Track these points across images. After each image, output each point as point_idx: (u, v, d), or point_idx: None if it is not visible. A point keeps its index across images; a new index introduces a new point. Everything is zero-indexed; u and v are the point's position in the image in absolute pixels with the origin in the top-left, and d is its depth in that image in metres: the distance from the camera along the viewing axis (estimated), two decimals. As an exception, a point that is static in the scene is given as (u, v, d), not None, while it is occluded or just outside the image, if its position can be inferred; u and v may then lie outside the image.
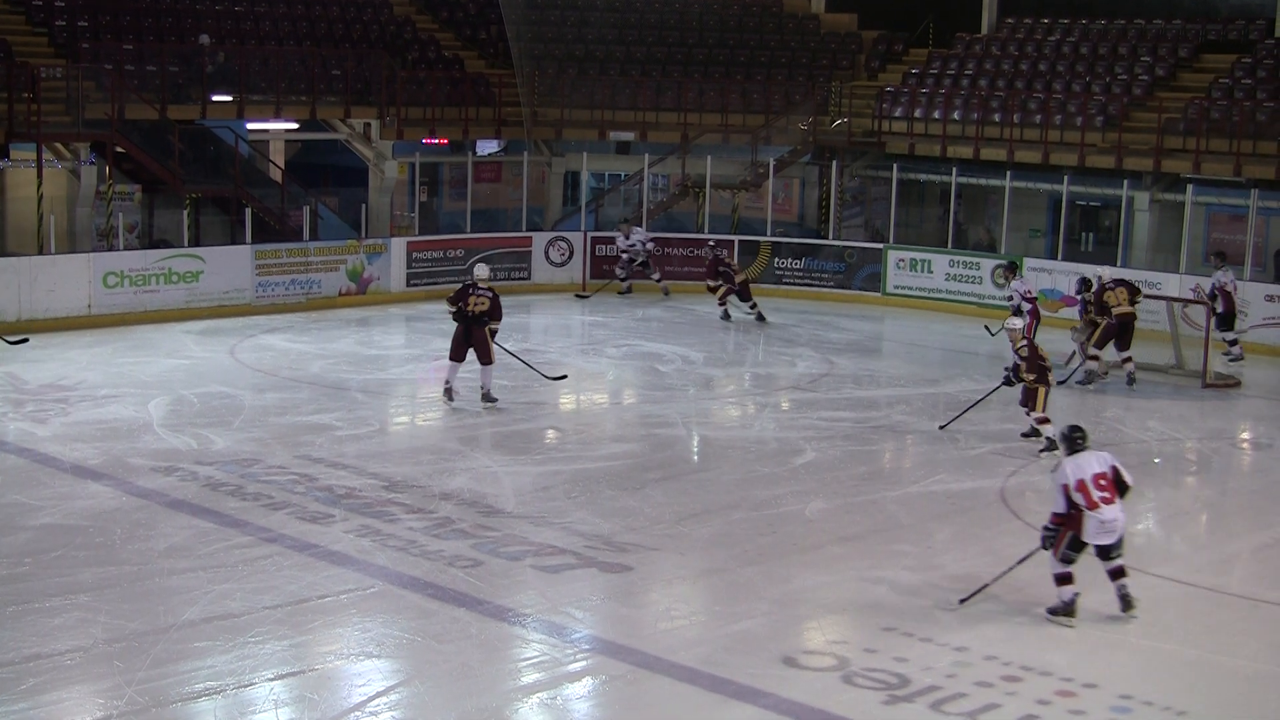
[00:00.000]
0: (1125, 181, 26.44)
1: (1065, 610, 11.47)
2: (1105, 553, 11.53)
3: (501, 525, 13.46)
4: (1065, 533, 11.49)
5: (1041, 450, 16.64)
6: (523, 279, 28.19)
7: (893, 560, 12.85)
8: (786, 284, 28.53)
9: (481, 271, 18.89)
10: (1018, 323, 17.53)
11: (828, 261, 28.53)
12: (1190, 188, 25.54)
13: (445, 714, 9.55)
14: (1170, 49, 29.42)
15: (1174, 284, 24.23)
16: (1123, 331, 20.45)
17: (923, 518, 14.12)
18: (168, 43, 27.59)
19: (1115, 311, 20.27)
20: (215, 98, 26.98)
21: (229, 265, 24.61)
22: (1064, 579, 11.52)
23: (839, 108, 30.85)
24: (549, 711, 9.76)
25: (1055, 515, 11.53)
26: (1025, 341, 17.00)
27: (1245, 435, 19.35)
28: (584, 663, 10.52)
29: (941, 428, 17.53)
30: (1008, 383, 17.16)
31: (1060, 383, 20.38)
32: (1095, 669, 10.50)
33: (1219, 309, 22.32)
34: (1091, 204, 29.02)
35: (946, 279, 27.18)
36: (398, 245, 26.83)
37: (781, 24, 33.74)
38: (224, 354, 21.29)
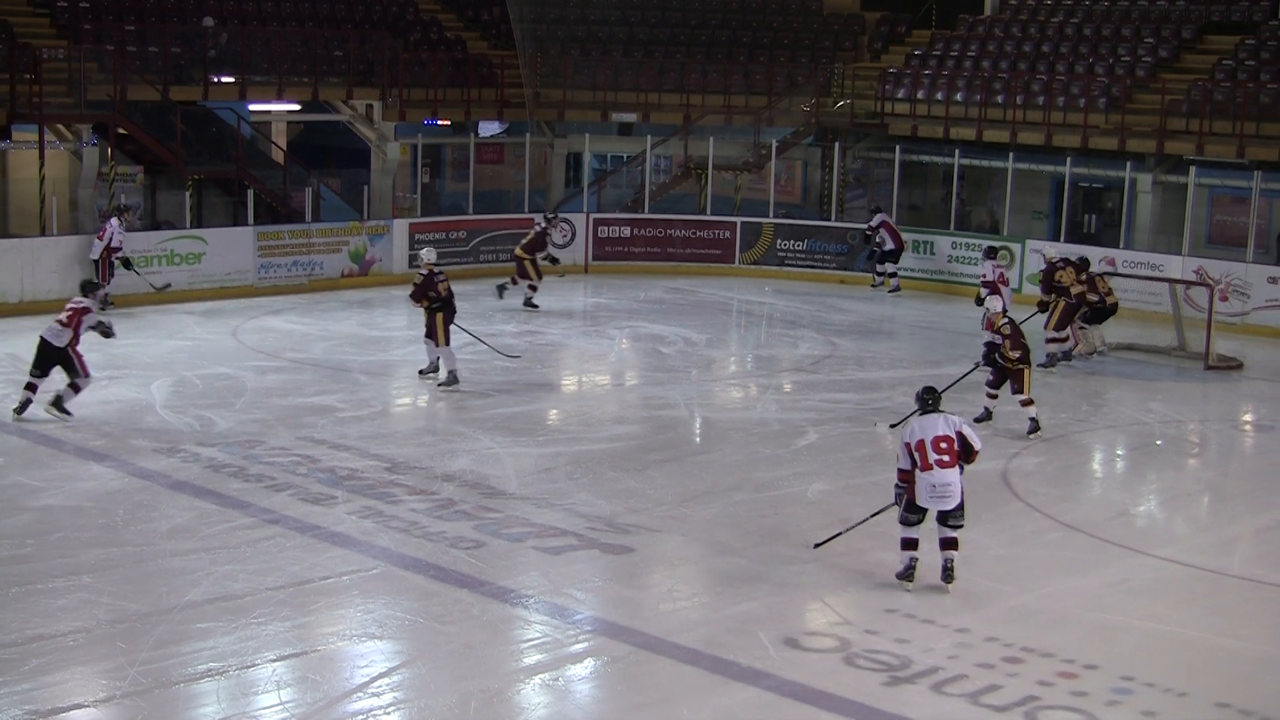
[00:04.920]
0: (1128, 163, 26.39)
1: (904, 574, 11.59)
2: (943, 519, 11.55)
3: (504, 506, 13.47)
4: (905, 495, 11.63)
5: (1030, 433, 16.54)
6: (525, 260, 28.12)
7: (895, 542, 12.83)
8: (789, 265, 28.53)
9: (430, 255, 19.25)
10: (998, 304, 16.88)
11: (830, 243, 28.52)
12: (1193, 170, 25.47)
13: (447, 695, 9.56)
14: (1174, 30, 29.33)
15: (1176, 266, 24.20)
16: (1076, 312, 20.44)
17: (925, 499, 14.11)
18: (170, 24, 27.58)
19: (1074, 291, 20.19)
20: (217, 79, 26.97)
21: (231, 247, 24.62)
22: (906, 543, 11.62)
23: (842, 89, 30.78)
24: (551, 692, 9.77)
25: (901, 471, 11.63)
26: (1007, 320, 16.55)
27: (1247, 417, 19.34)
28: (586, 644, 10.53)
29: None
30: (989, 362, 16.75)
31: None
32: (1097, 650, 10.51)
33: (889, 245, 26.73)
34: (1094, 186, 28.96)
35: (949, 260, 27.17)
36: (400, 227, 26.80)
37: (784, 5, 33.64)
38: (226, 335, 21.29)
